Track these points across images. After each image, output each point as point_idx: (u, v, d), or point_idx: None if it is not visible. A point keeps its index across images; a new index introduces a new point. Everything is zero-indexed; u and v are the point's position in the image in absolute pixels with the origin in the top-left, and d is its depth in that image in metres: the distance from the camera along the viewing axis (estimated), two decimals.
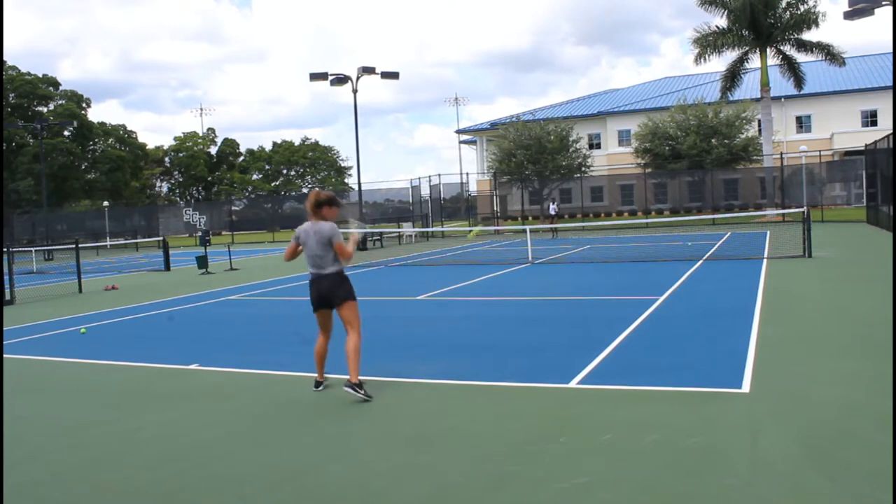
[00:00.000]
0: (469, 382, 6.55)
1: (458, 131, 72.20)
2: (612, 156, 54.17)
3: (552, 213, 37.81)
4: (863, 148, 30.70)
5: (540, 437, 4.95)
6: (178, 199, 77.52)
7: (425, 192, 41.81)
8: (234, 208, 58.76)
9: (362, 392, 6.03)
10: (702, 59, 36.35)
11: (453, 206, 48.43)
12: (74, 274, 17.83)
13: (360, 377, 6.11)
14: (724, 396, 5.69)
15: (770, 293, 10.95)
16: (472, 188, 50.94)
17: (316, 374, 6.57)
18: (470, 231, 34.95)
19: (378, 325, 10.27)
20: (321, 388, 6.50)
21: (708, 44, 36.07)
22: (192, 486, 4.47)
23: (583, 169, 47.62)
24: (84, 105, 65.72)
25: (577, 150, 47.92)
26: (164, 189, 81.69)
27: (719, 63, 74.60)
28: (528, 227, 22.41)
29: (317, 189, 6.66)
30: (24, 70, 62.94)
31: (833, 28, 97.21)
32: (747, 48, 36.12)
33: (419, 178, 43.08)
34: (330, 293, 6.27)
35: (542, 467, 4.39)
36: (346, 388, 6.07)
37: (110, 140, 68.32)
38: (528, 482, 4.18)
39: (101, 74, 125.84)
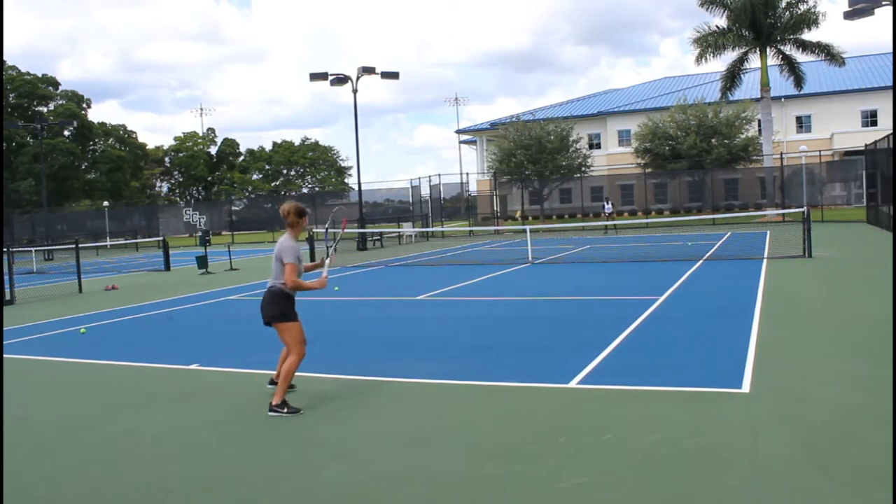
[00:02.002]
0: (469, 382, 6.55)
1: (458, 131, 72.29)
2: (612, 156, 54.15)
3: (608, 211, 37.94)
4: (863, 148, 30.69)
5: (540, 437, 4.94)
6: (178, 199, 77.53)
7: (425, 192, 41.81)
8: (234, 208, 58.75)
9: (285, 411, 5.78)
10: (702, 60, 36.34)
11: (453, 206, 48.44)
12: (74, 274, 17.81)
13: (359, 377, 6.11)
14: (724, 396, 5.69)
15: (770, 293, 10.95)
16: (472, 188, 51.00)
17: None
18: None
19: (378, 325, 10.29)
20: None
21: (708, 44, 36.02)
22: (191, 486, 4.47)
23: (583, 169, 47.66)
24: (84, 105, 65.78)
25: (577, 150, 47.97)
26: (164, 189, 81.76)
27: (719, 63, 74.49)
28: (528, 227, 22.40)
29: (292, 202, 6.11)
30: (24, 70, 63.09)
31: (833, 28, 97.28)
32: (747, 48, 36.07)
33: (419, 178, 43.13)
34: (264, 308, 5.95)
35: (542, 467, 4.39)
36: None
37: (110, 140, 68.37)
38: (528, 482, 4.18)
39: (100, 74, 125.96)
